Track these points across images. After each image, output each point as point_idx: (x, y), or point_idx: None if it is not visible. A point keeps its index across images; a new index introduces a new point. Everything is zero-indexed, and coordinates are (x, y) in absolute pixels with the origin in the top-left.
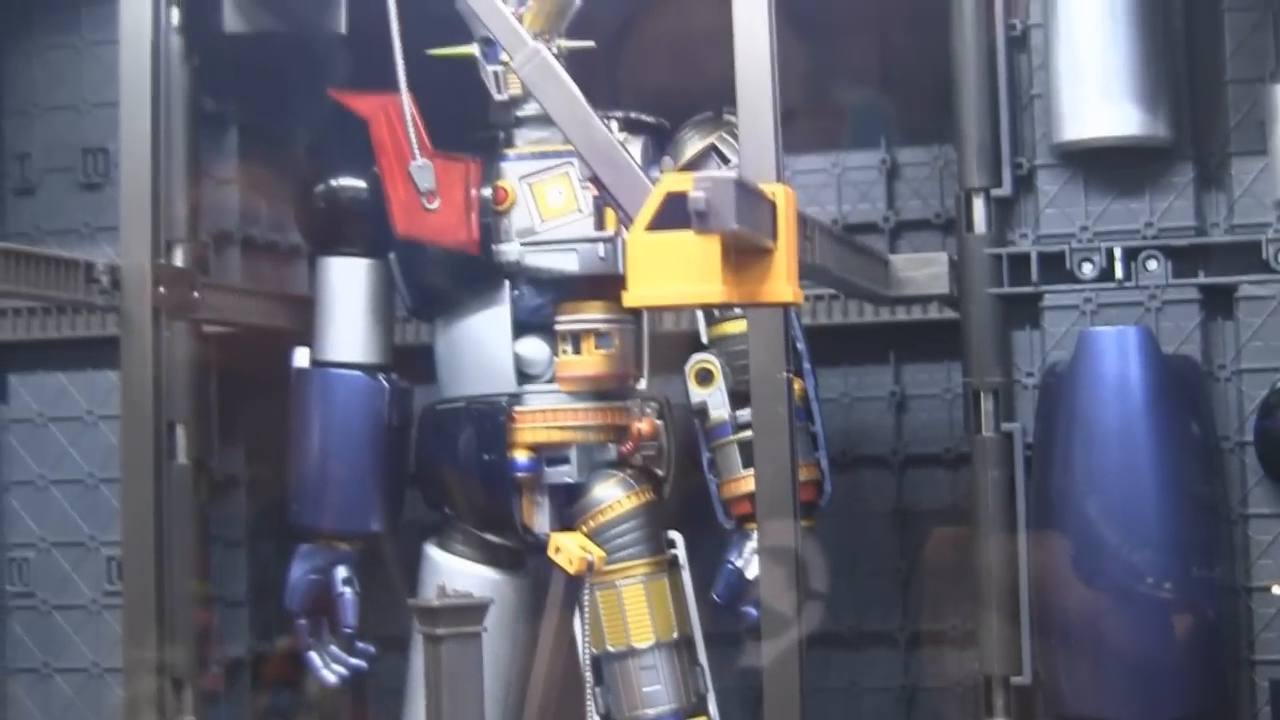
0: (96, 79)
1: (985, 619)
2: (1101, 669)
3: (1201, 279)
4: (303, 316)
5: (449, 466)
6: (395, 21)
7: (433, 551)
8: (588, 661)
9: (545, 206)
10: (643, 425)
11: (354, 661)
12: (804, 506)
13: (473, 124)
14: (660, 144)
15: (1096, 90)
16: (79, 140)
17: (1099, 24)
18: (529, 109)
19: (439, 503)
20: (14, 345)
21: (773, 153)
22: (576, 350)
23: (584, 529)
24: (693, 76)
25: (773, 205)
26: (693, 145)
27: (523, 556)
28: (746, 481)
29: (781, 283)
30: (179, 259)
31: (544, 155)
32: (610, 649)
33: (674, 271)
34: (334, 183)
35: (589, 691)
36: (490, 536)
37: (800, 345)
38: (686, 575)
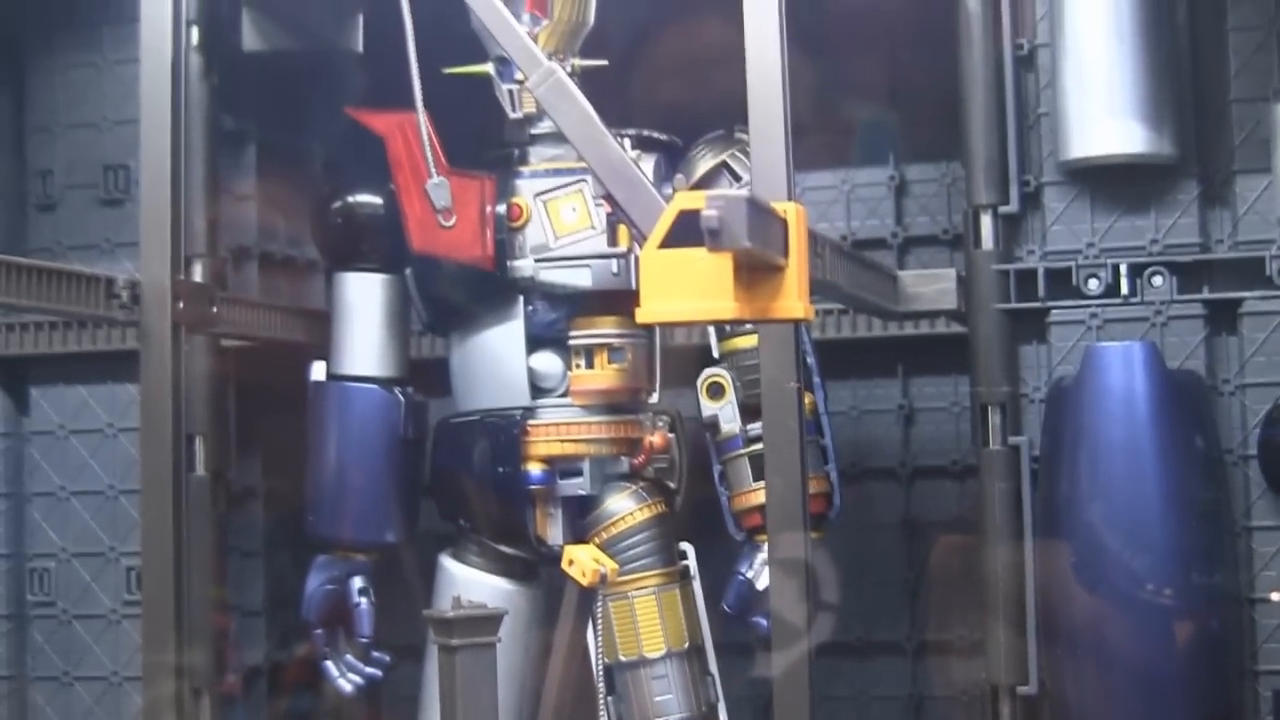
0: (117, 97)
1: (992, 629)
2: (1107, 679)
3: (1206, 295)
4: (320, 331)
5: (464, 479)
6: (412, 40)
7: (447, 562)
8: (600, 671)
9: (559, 223)
10: (654, 438)
11: (369, 670)
12: (813, 518)
13: (488, 141)
14: (673, 161)
15: (1103, 109)
16: (100, 157)
17: (1105, 43)
18: (543, 127)
19: (453, 514)
20: (35, 359)
21: (784, 171)
22: (590, 364)
23: (597, 541)
24: (704, 94)
25: (784, 223)
26: (705, 163)
27: (536, 567)
28: (757, 494)
29: (793, 299)
30: (198, 274)
31: (558, 172)
32: (623, 659)
33: (687, 288)
34: (351, 199)
35: (602, 701)
36: (504, 548)
37: (810, 359)
38: (698, 586)
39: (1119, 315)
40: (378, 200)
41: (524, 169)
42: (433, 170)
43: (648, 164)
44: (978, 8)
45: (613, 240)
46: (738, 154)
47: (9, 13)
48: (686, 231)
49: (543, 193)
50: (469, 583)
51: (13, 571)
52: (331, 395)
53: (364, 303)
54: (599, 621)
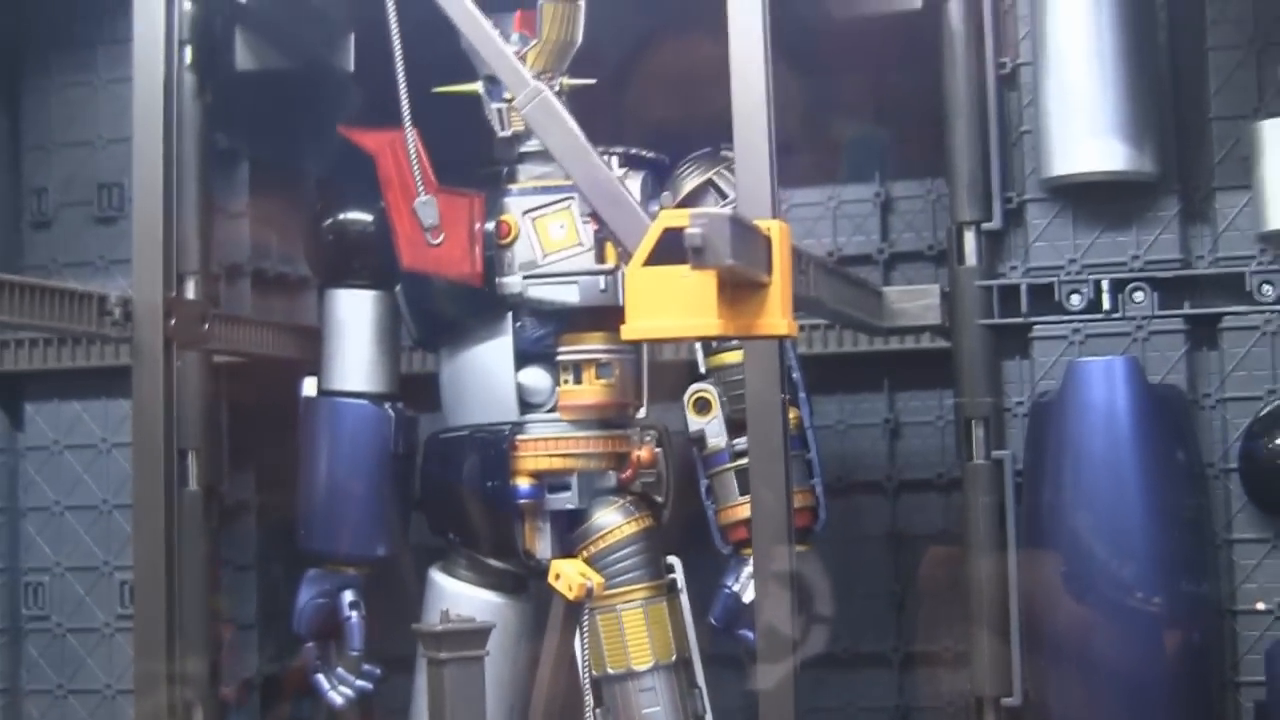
0: (111, 116)
1: (977, 641)
2: (1090, 690)
3: (1187, 310)
4: (311, 347)
5: (454, 493)
6: (400, 59)
7: (437, 576)
8: (588, 684)
9: (547, 240)
10: (642, 453)
11: (360, 683)
12: (800, 531)
13: (477, 159)
14: (660, 178)
15: (1084, 127)
16: (94, 175)
17: (1087, 63)
18: (531, 145)
19: (443, 528)
20: (29, 375)
21: (769, 188)
22: (578, 380)
23: (585, 554)
24: (692, 112)
25: (768, 240)
26: (691, 180)
27: (525, 581)
28: (743, 508)
29: (776, 316)
30: (191, 291)
31: (546, 190)
32: (610, 671)
33: (672, 305)
34: (342, 216)
35: (589, 713)
36: (493, 561)
37: (795, 374)
38: (685, 599)
39: (1101, 330)
40: (368, 218)
41: (513, 186)
42: (420, 189)
43: (635, 182)
44: (961, 27)
45: (600, 257)
46: (724, 171)
47: (4, 33)
48: (671, 249)
49: (531, 210)
50: (459, 596)
51: (7, 586)
52: (323, 410)
53: (355, 319)
54: (585, 634)
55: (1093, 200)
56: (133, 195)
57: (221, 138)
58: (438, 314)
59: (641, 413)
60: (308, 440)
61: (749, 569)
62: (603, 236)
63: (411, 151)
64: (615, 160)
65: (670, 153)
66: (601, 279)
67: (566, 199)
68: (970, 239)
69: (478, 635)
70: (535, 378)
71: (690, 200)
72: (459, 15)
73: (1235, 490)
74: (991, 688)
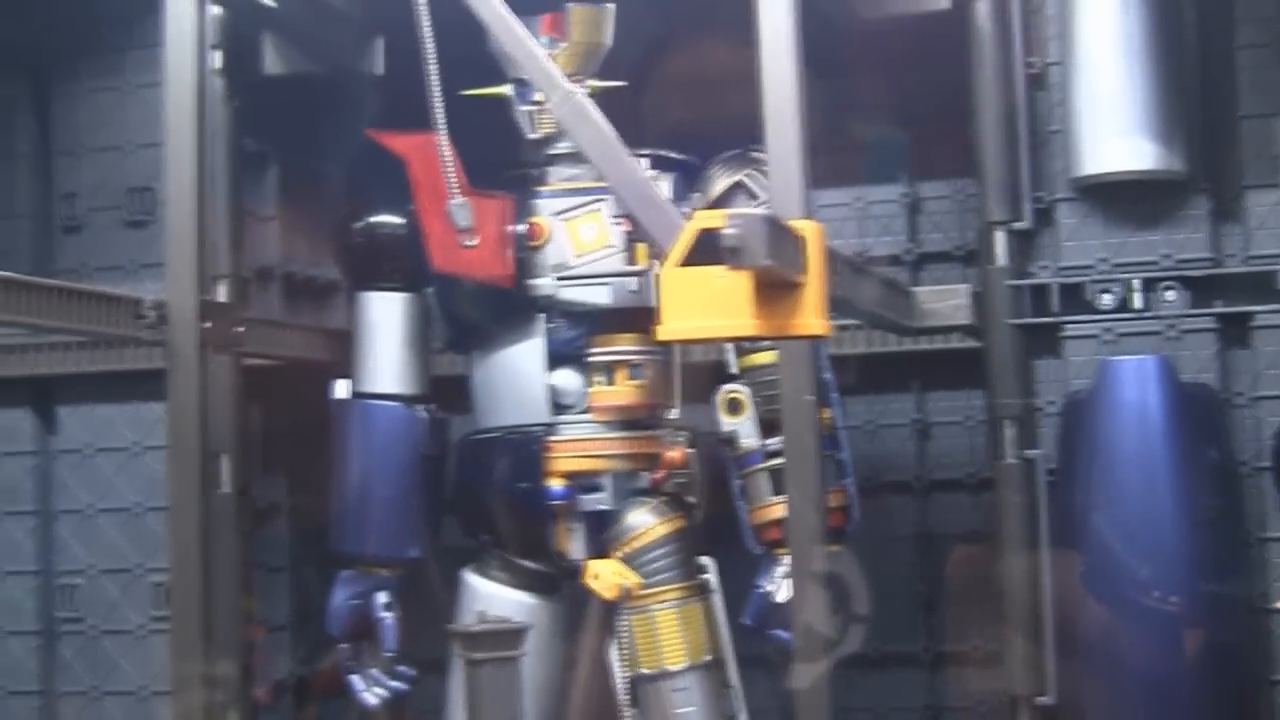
0: (140, 121)
1: (1010, 641)
2: (1123, 690)
3: (1218, 309)
4: (341, 349)
5: (486, 494)
6: (433, 63)
7: (470, 577)
8: (623, 685)
9: (578, 242)
10: (673, 454)
11: (394, 684)
12: (832, 532)
13: (505, 162)
14: (688, 180)
15: (1114, 126)
16: (124, 180)
17: (1116, 62)
18: (561, 147)
19: (475, 530)
20: (61, 378)
21: (800, 189)
22: (609, 381)
23: (617, 555)
24: (714, 114)
25: (802, 241)
26: (721, 182)
27: (557, 581)
28: (775, 508)
29: (811, 316)
30: (222, 294)
31: (576, 192)
32: (644, 671)
33: (706, 306)
34: (372, 219)
35: (625, 714)
36: (526, 562)
37: (827, 375)
38: (718, 599)
39: (1132, 330)
40: (399, 220)
41: (542, 189)
42: (455, 191)
43: (664, 183)
44: (990, 27)
45: (630, 259)
46: (753, 173)
47: (34, 39)
48: (706, 250)
49: (561, 212)
50: (491, 597)
51: (41, 588)
52: (354, 413)
53: (386, 321)
54: (619, 635)
55: (1123, 200)
56: (166, 200)
57: (250, 141)
58: (469, 316)
59: (673, 413)
60: (340, 443)
61: (782, 569)
62: (633, 238)
63: (444, 155)
64: (645, 162)
65: (693, 154)
66: (633, 280)
67: (597, 201)
68: (1000, 239)
69: (514, 636)
70: (567, 379)
71: (721, 202)
72: (491, 18)
73: (1268, 488)
74: (1025, 687)
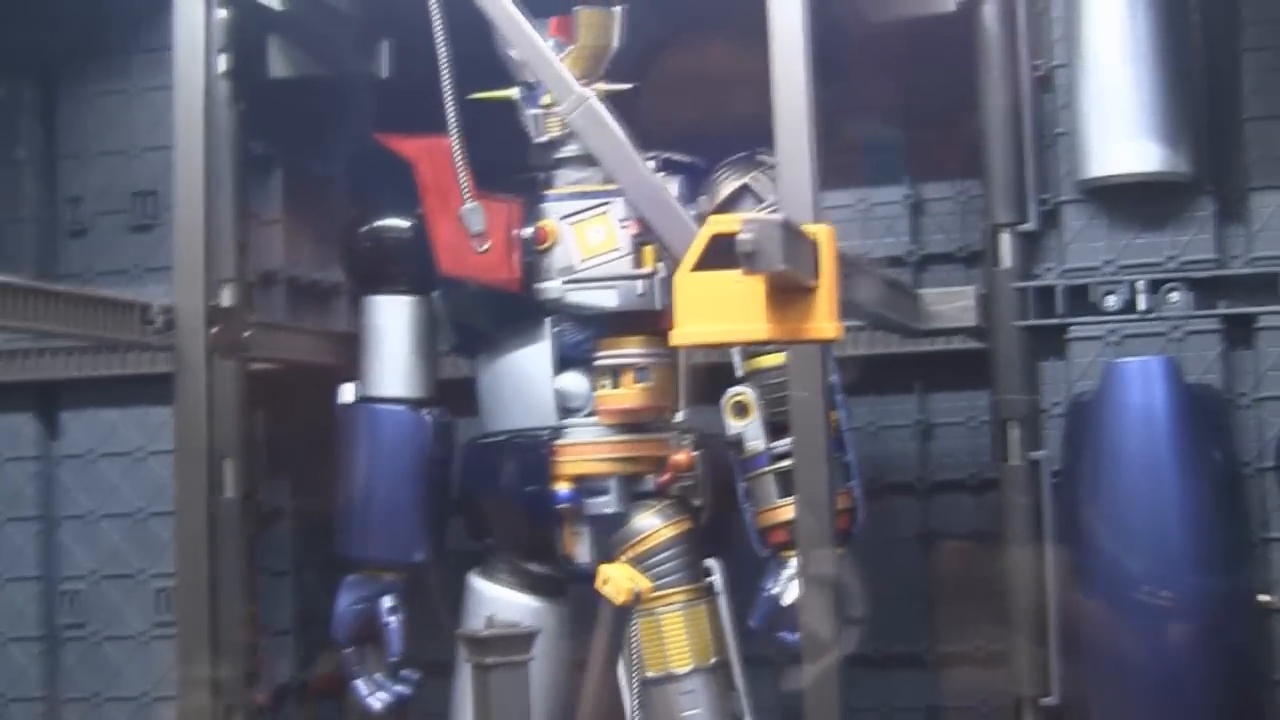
0: (146, 124)
1: (1015, 641)
2: (1128, 691)
3: (1222, 310)
4: (347, 353)
5: (492, 498)
6: (446, 67)
7: (476, 581)
8: (631, 687)
9: (585, 245)
10: (679, 456)
11: (399, 688)
12: (838, 534)
13: (511, 166)
14: (695, 183)
15: (1120, 128)
16: (129, 183)
17: (1122, 64)
18: (568, 150)
19: (481, 533)
20: (65, 383)
21: (811, 193)
22: (616, 384)
23: (624, 558)
24: (718, 116)
25: (815, 245)
26: (728, 185)
27: (563, 584)
28: (782, 511)
29: (823, 320)
30: (227, 298)
31: (584, 195)
32: (650, 674)
33: (720, 310)
34: (378, 223)
35: (631, 717)
36: (532, 566)
37: (833, 378)
38: (724, 602)
39: (1137, 331)
40: (405, 224)
41: (549, 192)
42: (466, 195)
43: (672, 186)
44: (995, 29)
45: (637, 262)
46: (759, 176)
47: (40, 41)
48: (719, 254)
49: (569, 215)
50: (498, 601)
51: (44, 594)
52: (360, 417)
53: (392, 325)
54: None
55: (1128, 201)
56: (173, 204)
57: (256, 145)
58: (476, 320)
59: (679, 416)
60: (345, 446)
61: (788, 571)
62: (640, 241)
63: (456, 159)
64: (652, 165)
65: (698, 156)
66: (639, 283)
67: (604, 204)
68: (1005, 241)
69: (523, 640)
70: (573, 382)
71: (727, 205)
72: (502, 21)
73: (1272, 489)
74: (1030, 687)
